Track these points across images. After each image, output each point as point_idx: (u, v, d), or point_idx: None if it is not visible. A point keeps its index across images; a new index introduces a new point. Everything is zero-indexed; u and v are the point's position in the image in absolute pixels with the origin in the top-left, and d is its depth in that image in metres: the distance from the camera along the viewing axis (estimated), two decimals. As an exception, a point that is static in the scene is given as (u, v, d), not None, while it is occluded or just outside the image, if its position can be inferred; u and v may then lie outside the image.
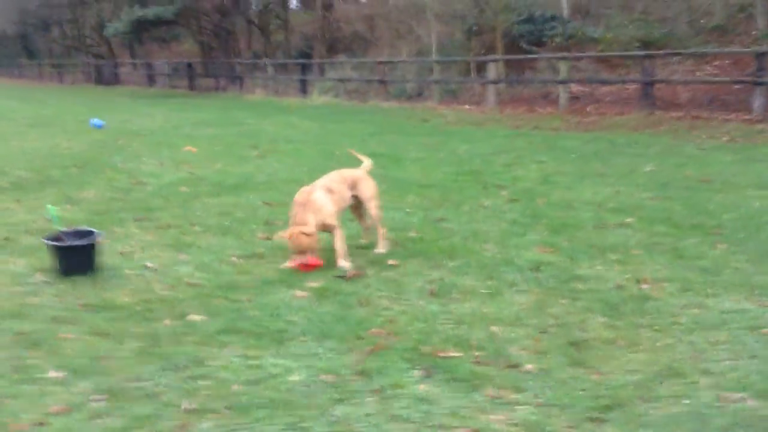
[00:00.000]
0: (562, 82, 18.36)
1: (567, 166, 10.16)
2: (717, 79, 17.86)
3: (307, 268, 5.23)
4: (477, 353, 3.92)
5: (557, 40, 22.85)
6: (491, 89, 19.61)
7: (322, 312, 4.54)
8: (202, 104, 24.30)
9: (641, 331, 4.18)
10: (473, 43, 24.14)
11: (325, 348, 4.01)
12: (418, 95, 22.44)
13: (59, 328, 4.31)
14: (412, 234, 6.41)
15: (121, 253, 5.87)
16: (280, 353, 3.96)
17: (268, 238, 6.31)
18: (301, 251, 5.18)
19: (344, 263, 5.40)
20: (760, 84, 14.92)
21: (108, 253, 5.73)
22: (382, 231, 5.93)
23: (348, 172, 5.84)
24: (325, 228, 5.41)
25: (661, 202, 7.65)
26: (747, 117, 15.06)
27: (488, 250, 5.88)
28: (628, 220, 6.87)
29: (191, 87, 32.11)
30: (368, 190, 5.85)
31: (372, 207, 5.85)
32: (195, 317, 4.48)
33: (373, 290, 4.95)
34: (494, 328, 4.25)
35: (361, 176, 5.85)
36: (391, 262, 5.56)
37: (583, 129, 15.00)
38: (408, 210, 7.31)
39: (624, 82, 19.18)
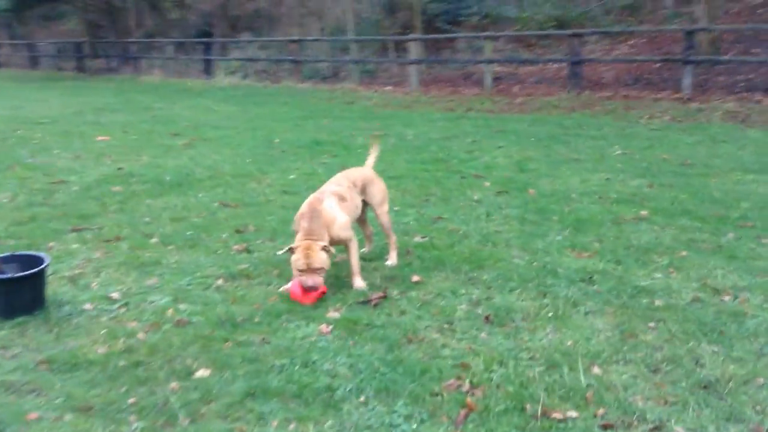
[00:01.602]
0: (488, 62, 17.72)
1: (531, 152, 9.43)
2: (648, 58, 17.67)
3: (306, 298, 4.21)
4: (598, 410, 3.03)
5: (474, 19, 22.24)
6: (413, 70, 18.76)
7: (366, 355, 3.54)
8: (96, 87, 22.28)
9: (771, 363, 3.40)
10: (390, 21, 23.19)
11: (401, 415, 3.01)
12: (334, 76, 21.32)
13: (19, 403, 3.11)
14: (418, 239, 5.46)
15: (69, 279, 4.64)
16: (345, 426, 2.93)
17: (246, 251, 5.20)
18: (313, 270, 4.12)
19: (361, 283, 4.45)
20: (690, 62, 14.72)
21: (51, 280, 4.49)
22: (393, 239, 4.97)
23: (356, 174, 4.85)
24: (339, 242, 4.40)
25: (662, 191, 7.02)
26: (677, 95, 14.86)
27: (517, 257, 5.02)
28: (643, 212, 6.17)
29: (80, 69, 29.64)
30: (379, 192, 4.90)
31: (383, 213, 4.92)
32: (204, 373, 3.38)
33: (412, 318, 3.99)
34: (596, 370, 3.37)
35: (370, 177, 4.90)
36: (415, 278, 4.60)
37: (518, 110, 14.39)
38: (396, 208, 6.33)
39: (552, 61, 18.74)
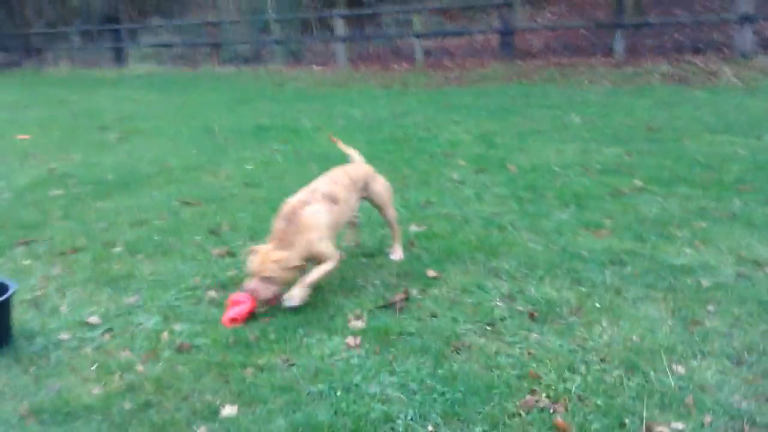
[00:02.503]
0: (418, 36, 17.28)
1: (489, 125, 9.08)
2: (580, 23, 17.61)
3: (234, 320, 3.60)
4: (704, 417, 2.64)
5: (395, -8, 21.75)
6: (341, 48, 18.15)
7: (413, 372, 3.07)
8: (-1, 83, 20.75)
9: None
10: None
11: (485, 445, 2.54)
12: (256, 58, 20.47)
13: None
14: (415, 227, 4.99)
15: (31, 304, 3.97)
16: (427, 465, 2.45)
17: (229, 254, 4.62)
18: (263, 279, 3.59)
19: (294, 300, 3.68)
20: (621, 27, 14.67)
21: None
22: (398, 231, 4.47)
23: (357, 171, 4.24)
24: (315, 256, 3.73)
25: (643, 158, 6.78)
26: (609, 60, 14.81)
27: (531, 241, 4.62)
28: (637, 182, 5.88)
29: (-27, 63, 27.64)
30: (385, 190, 4.38)
31: (390, 213, 4.43)
32: (231, 411, 2.83)
33: (447, 322, 3.52)
34: (679, 368, 2.99)
35: (371, 174, 4.33)
36: (431, 273, 4.13)
37: (456, 84, 14.06)
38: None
39: (482, 32, 18.44)
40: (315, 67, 18.21)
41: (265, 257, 3.54)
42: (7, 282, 3.52)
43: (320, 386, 2.98)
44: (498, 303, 3.73)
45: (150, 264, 4.55)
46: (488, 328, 3.46)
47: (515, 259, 4.31)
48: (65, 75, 22.26)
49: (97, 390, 3.03)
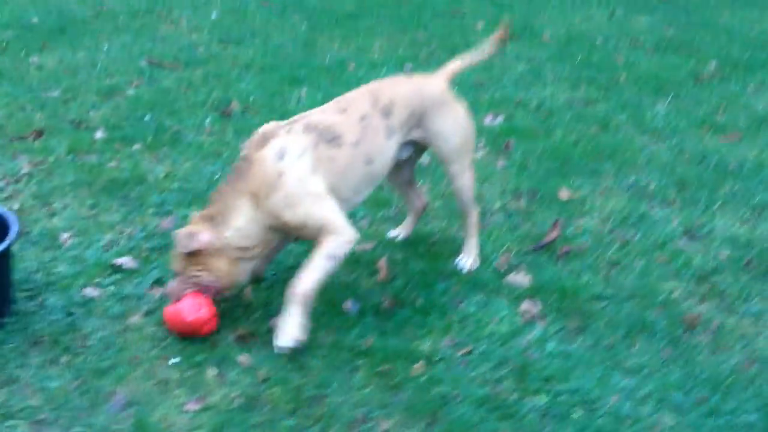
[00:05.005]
0: None
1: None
2: None
3: (190, 327, 2.11)
4: None
5: None
6: None
7: (657, 371, 2.11)
8: None
9: None
10: None
11: None
12: None
13: None
14: (490, 119, 3.90)
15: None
16: None
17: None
18: (184, 276, 2.16)
19: (285, 341, 2.09)
20: None
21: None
22: (474, 217, 2.62)
23: (403, 90, 2.41)
24: (294, 229, 2.18)
25: (688, 31, 5.93)
26: None
27: (653, 145, 3.71)
28: (712, 66, 4.97)
29: None
30: (456, 130, 2.48)
31: (461, 171, 2.52)
32: None
33: (645, 278, 2.58)
34: None
35: (438, 97, 2.46)
36: (564, 194, 3.13)
37: None
38: (383, 64, 4.64)
39: None
40: None
41: (186, 239, 2.08)
42: (4, 214, 2.21)
43: (542, 398, 1.97)
44: (682, 243, 2.78)
45: (156, 160, 3.28)
46: (703, 287, 2.52)
47: (652, 171, 3.38)
48: None
49: (195, 407, 1.89)
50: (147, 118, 3.73)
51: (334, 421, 1.88)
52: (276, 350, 2.08)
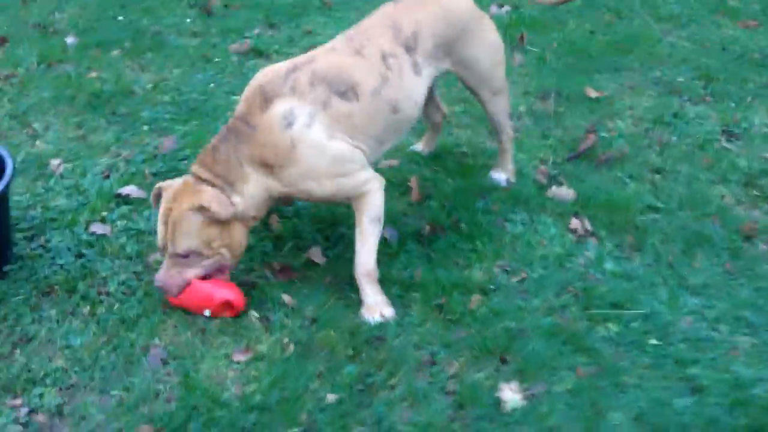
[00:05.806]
0: None
1: None
2: None
3: (215, 308, 1.81)
4: None
5: None
6: None
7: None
8: None
9: None
10: None
11: None
12: None
13: None
14: (496, 7, 3.62)
15: None
16: None
17: (255, 52, 3.10)
18: (175, 255, 1.80)
19: (372, 310, 1.86)
20: None
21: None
22: (511, 134, 2.35)
23: (430, 13, 2.04)
24: (313, 197, 1.93)
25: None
26: None
27: (670, 35, 3.48)
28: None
29: None
30: (489, 53, 2.17)
31: (497, 93, 2.23)
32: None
33: (696, 183, 2.41)
34: None
35: (467, 17, 2.12)
36: (591, 92, 2.91)
37: None
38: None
39: None
40: None
41: (220, 205, 1.77)
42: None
43: (611, 327, 1.83)
44: (722, 142, 2.62)
45: (139, 68, 2.95)
46: (753, 190, 2.38)
47: (676, 64, 3.16)
48: None
49: (244, 357, 1.70)
50: (119, 16, 3.34)
51: (399, 366, 1.71)
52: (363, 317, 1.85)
